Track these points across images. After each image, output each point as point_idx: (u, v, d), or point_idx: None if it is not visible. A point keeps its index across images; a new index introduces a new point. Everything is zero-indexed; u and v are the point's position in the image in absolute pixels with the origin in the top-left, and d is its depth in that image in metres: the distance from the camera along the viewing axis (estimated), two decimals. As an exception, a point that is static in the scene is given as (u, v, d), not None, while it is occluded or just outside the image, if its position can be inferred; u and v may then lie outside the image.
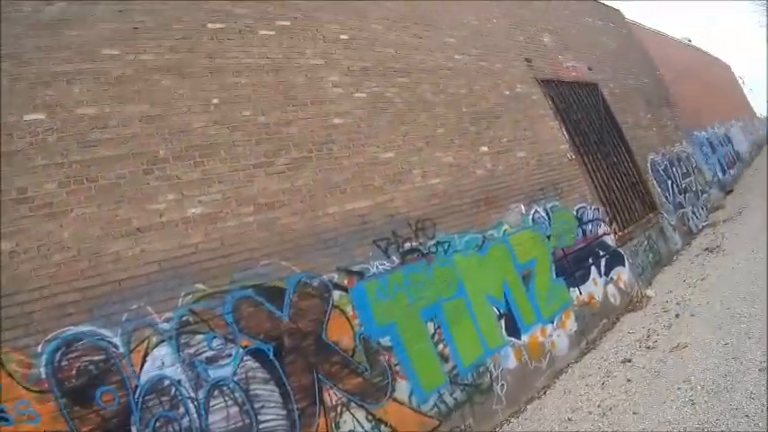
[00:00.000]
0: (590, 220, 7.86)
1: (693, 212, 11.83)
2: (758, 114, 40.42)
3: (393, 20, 7.07)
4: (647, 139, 11.61)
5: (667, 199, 10.83)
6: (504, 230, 6.43)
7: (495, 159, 6.96)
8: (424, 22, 7.49)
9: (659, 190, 10.68)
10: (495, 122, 7.33)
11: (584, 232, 7.62)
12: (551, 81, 9.21)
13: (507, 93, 7.98)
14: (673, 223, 10.45)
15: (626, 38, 14.76)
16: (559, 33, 10.76)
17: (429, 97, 6.72)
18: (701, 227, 11.57)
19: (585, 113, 9.66)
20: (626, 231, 8.65)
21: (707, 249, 9.15)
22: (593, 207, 8.07)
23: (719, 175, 16.03)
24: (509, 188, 6.86)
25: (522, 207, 6.87)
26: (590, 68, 10.93)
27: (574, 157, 8.35)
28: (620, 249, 8.17)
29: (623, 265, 8.05)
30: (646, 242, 9.03)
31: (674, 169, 12.06)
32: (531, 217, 6.90)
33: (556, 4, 11.56)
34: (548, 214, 7.17)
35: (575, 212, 7.65)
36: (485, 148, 6.92)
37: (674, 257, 9.67)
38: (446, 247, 5.69)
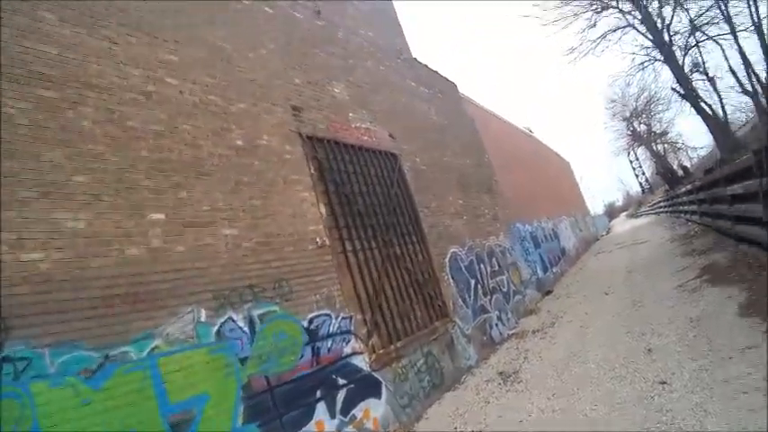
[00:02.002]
0: (331, 334, 6.00)
1: (500, 318, 10.72)
2: (592, 213, 44.31)
3: (82, 13, 4.96)
4: (453, 228, 10.46)
5: (466, 302, 9.54)
6: (153, 348, 4.27)
7: (176, 234, 4.87)
8: (136, 26, 5.45)
9: (456, 290, 9.36)
10: (196, 181, 5.31)
11: (315, 351, 5.70)
12: (324, 140, 7.56)
13: (240, 143, 6.08)
14: (468, 333, 9.08)
15: (455, 113, 14.13)
16: (362, 89, 9.39)
17: (84, 126, 4.56)
18: (506, 335, 10.42)
19: (369, 188, 8.12)
20: (394, 348, 6.94)
21: (501, 374, 7.65)
22: (341, 315, 6.25)
23: (540, 273, 15.66)
24: (187, 281, 4.76)
25: (203, 312, 4.80)
26: (392, 136, 9.62)
27: (328, 242, 6.58)
28: (375, 374, 6.38)
29: (377, 397, 6.25)
30: (423, 360, 7.40)
31: (481, 266, 11.00)
32: (215, 328, 4.83)
33: (371, 56, 10.31)
34: (252, 325, 5.17)
35: (305, 323, 5.74)
36: (159, 216, 4.81)
37: (463, 378, 8.15)
38: (21, 369, 3.52)
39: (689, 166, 38.49)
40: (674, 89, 19.31)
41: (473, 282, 10.24)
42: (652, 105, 35.93)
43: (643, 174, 61.88)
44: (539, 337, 9.22)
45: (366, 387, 6.16)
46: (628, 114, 40.81)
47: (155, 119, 5.24)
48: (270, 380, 5.11)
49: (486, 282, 10.88)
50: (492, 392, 6.94)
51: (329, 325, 6.02)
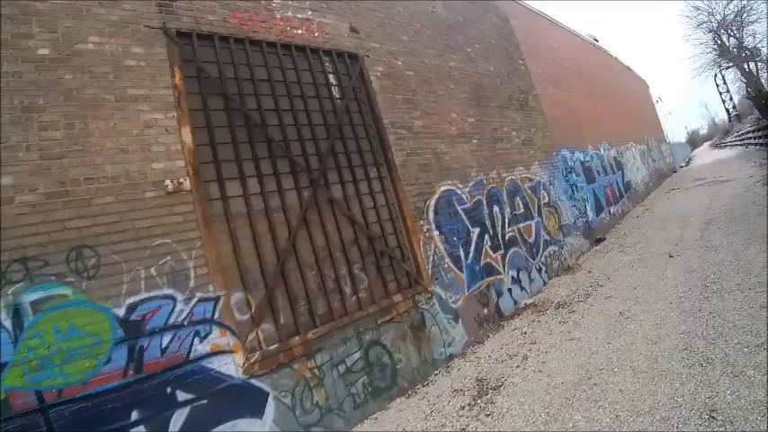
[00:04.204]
0: (171, 327, 4.15)
1: (517, 280, 8.58)
2: (670, 140, 40.06)
3: None
4: (452, 156, 8.23)
5: (459, 262, 7.42)
6: None
7: None
8: None
9: (444, 246, 7.28)
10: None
11: (136, 353, 3.90)
12: (215, 36, 5.52)
13: (46, 52, 4.25)
14: (456, 305, 7.06)
15: (475, 6, 11.54)
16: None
17: None
18: (523, 305, 8.34)
19: (293, 102, 6.07)
20: (299, 340, 5.01)
21: (480, 383, 5.50)
22: (196, 297, 4.37)
23: (590, 215, 13.12)
24: None
25: None
26: (355, 30, 7.40)
27: (189, 186, 4.65)
28: (256, 382, 4.54)
29: (256, 416, 4.45)
30: (360, 354, 5.49)
31: (495, 208, 8.76)
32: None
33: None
34: (17, 318, 3.57)
35: (120, 312, 3.93)
36: None
37: (434, 375, 6.21)
38: None
39: (788, 90, 33.73)
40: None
41: (477, 231, 8.08)
42: (744, 16, 31.26)
43: (731, 99, 55.38)
44: (558, 320, 6.97)
45: (233, 403, 4.33)
46: (715, 25, 35.73)
47: None
48: (44, 396, 3.49)
49: (499, 230, 8.70)
50: (443, 423, 4.78)
51: (169, 313, 4.17)
